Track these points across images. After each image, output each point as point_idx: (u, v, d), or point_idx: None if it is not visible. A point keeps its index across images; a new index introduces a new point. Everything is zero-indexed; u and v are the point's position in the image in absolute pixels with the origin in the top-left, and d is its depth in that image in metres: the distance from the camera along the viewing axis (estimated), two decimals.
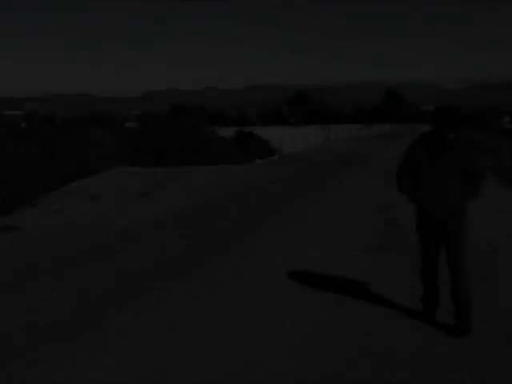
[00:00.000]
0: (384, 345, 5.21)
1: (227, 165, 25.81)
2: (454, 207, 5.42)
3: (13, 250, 9.64)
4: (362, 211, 12.36)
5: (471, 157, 5.50)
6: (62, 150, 22.87)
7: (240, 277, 7.52)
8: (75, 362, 5.00)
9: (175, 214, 12.65)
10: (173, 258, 8.67)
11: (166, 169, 23.78)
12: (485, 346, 5.12)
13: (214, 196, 15.60)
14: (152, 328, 5.78)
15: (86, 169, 21.14)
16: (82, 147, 23.85)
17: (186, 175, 21.16)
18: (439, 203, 5.42)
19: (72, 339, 5.53)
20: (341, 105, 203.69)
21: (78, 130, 27.36)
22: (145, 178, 20.44)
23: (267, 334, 5.54)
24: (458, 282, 5.47)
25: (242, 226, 11.03)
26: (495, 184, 15.95)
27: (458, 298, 5.48)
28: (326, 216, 11.84)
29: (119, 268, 8.13)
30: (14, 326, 5.93)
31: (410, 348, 5.13)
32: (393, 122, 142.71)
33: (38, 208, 14.00)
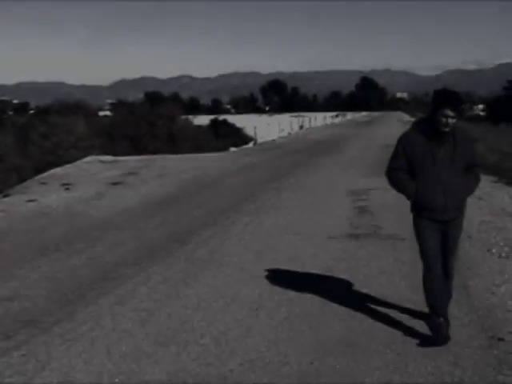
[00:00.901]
0: (359, 333, 5.25)
1: (202, 153, 25.75)
2: (460, 202, 4.90)
3: None
4: (336, 199, 12.40)
5: (473, 145, 5.01)
6: (36, 139, 22.67)
7: (216, 265, 7.52)
8: (50, 352, 4.98)
9: (150, 203, 12.60)
10: (148, 246, 8.64)
11: (141, 157, 23.65)
12: (459, 333, 5.18)
13: (188, 184, 15.55)
14: (127, 317, 5.77)
15: (59, 158, 20.98)
16: (55, 136, 23.66)
17: (161, 163, 21.06)
18: (445, 199, 4.79)
19: (46, 329, 5.51)
20: (315, 93, 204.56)
21: (52, 119, 27.13)
22: (119, 166, 20.31)
23: (243, 323, 5.56)
24: (448, 279, 5.21)
25: (216, 213, 11.01)
26: None
27: None
28: (300, 204, 11.86)
29: (94, 257, 8.09)
30: None
31: (386, 336, 5.17)
32: (367, 109, 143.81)
33: (12, 197, 13.87)
